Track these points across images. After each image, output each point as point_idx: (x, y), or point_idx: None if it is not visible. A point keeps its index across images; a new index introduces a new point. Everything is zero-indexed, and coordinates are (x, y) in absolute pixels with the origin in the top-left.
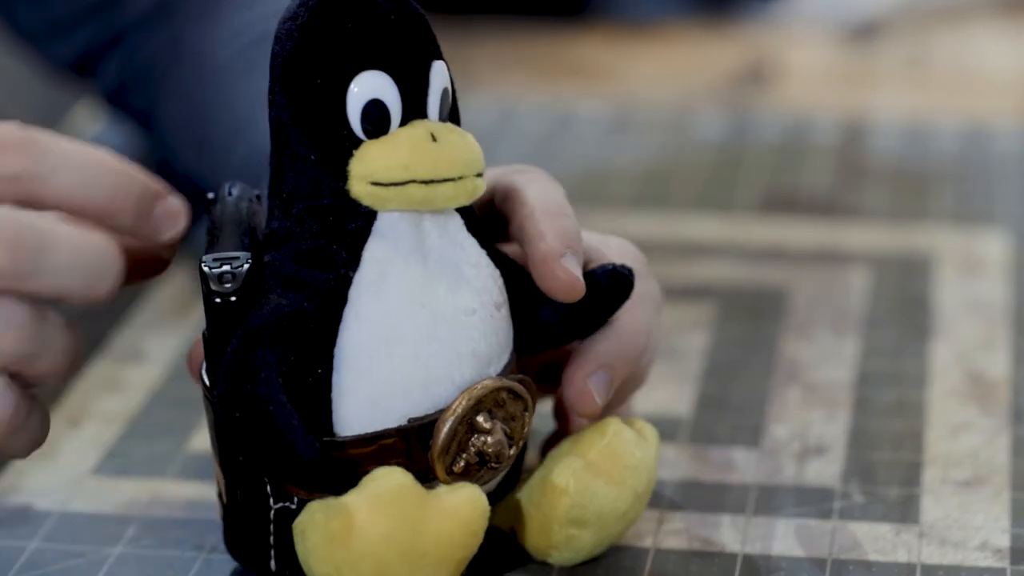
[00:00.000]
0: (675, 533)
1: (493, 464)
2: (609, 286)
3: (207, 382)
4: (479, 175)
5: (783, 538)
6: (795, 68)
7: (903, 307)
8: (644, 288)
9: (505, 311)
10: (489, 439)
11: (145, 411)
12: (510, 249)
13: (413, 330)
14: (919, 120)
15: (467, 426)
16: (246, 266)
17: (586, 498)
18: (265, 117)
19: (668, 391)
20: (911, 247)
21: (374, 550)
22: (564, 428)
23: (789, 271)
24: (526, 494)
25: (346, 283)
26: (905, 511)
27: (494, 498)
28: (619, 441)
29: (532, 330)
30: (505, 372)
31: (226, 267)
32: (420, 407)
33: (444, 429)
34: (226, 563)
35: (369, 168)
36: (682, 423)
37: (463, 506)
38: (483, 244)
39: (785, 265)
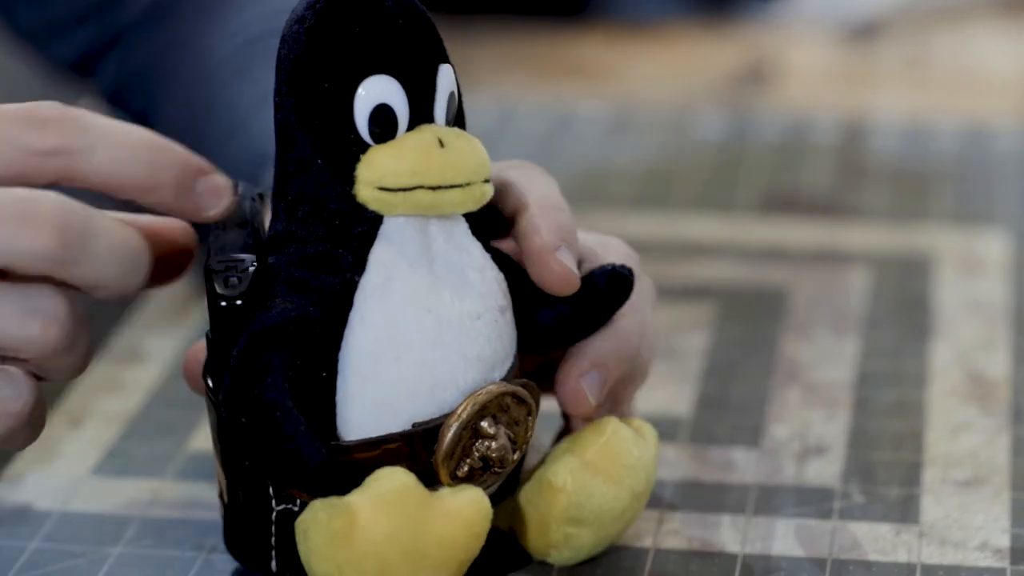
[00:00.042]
0: (675, 533)
1: (497, 469)
2: (609, 286)
3: (210, 384)
4: (486, 180)
5: (783, 538)
6: (795, 68)
7: (903, 307)
8: (638, 286)
9: (509, 315)
10: (493, 444)
11: (145, 411)
12: (507, 246)
13: (418, 335)
14: (919, 120)
15: (471, 431)
16: (252, 269)
17: (583, 497)
18: (258, 118)
19: (668, 391)
20: (911, 247)
21: (376, 550)
22: (567, 425)
23: (789, 271)
24: (524, 494)
25: (352, 287)
26: (905, 511)
27: (494, 500)
28: (617, 440)
29: (532, 332)
30: (509, 376)
31: (232, 269)
32: (425, 412)
33: (448, 434)
34: (226, 563)
35: (377, 173)
36: (682, 423)
37: (466, 508)
38: (487, 247)
39: (785, 265)
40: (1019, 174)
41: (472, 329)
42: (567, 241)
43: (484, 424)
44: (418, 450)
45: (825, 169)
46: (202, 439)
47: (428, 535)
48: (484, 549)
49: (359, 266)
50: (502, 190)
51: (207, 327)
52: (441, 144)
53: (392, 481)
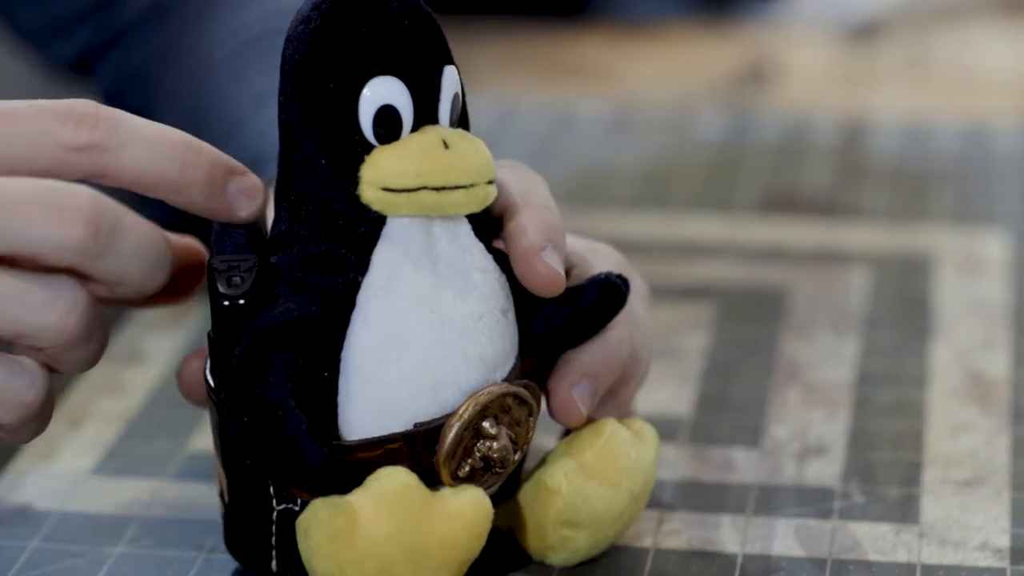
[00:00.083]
0: (675, 533)
1: (498, 469)
2: (602, 297)
3: (212, 383)
4: (490, 182)
5: (783, 538)
6: (795, 68)
7: (903, 307)
8: (631, 289)
9: (511, 316)
10: (495, 444)
11: (145, 411)
12: (498, 247)
13: (421, 335)
14: (919, 120)
15: (473, 431)
16: (254, 268)
17: (579, 500)
18: (255, 119)
19: (668, 391)
20: (911, 247)
21: (378, 549)
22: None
23: (789, 271)
24: (522, 495)
25: (355, 287)
26: (905, 511)
27: (495, 501)
28: (615, 442)
29: (526, 338)
30: (511, 377)
31: (234, 269)
32: (427, 412)
33: (450, 434)
34: (226, 563)
35: (381, 174)
36: (682, 423)
37: (467, 508)
38: (489, 248)
39: (785, 265)
40: (1019, 174)
41: (474, 330)
42: (554, 242)
43: (486, 424)
44: (420, 450)
45: (825, 169)
46: (202, 439)
47: (429, 535)
48: (485, 549)
49: (362, 266)
50: None
51: (208, 327)
52: (445, 145)
53: (393, 481)
